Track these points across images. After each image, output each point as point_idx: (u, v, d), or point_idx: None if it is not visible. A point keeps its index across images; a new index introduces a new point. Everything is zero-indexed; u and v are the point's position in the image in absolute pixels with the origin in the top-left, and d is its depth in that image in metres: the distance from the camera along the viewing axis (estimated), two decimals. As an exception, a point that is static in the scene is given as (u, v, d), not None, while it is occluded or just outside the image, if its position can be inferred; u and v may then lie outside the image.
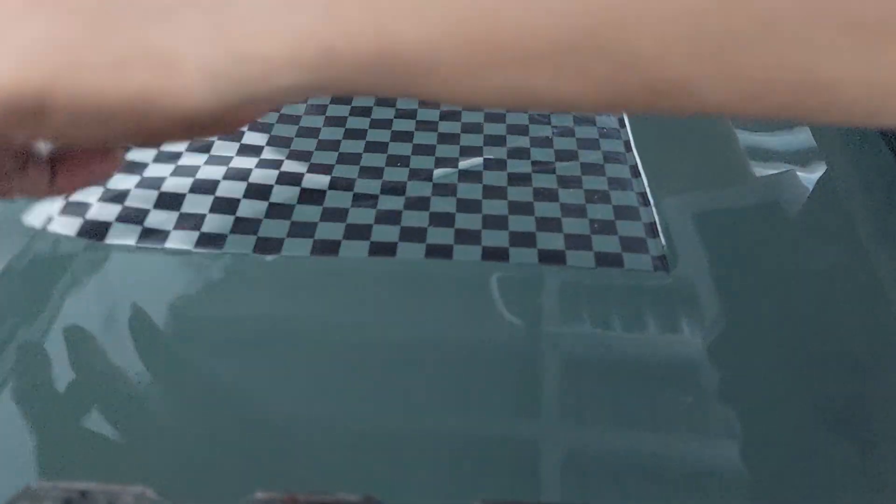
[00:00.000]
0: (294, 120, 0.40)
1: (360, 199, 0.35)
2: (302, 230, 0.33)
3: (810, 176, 0.39)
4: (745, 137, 0.41)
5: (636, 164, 0.38)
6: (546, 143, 0.39)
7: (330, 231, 0.33)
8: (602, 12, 0.17)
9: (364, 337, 0.30)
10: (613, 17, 0.17)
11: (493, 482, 0.24)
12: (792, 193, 0.38)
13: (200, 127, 0.17)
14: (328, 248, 0.33)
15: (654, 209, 0.35)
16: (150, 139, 0.18)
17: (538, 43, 0.18)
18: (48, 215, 0.33)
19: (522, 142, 0.39)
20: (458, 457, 0.25)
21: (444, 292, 0.32)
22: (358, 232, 0.33)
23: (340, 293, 0.32)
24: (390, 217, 0.34)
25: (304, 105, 0.41)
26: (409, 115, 0.40)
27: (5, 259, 0.32)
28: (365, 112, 0.41)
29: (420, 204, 0.35)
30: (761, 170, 0.39)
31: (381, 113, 0.41)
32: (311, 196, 0.35)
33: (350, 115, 0.41)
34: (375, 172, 0.37)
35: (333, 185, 0.36)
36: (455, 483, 0.24)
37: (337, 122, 0.40)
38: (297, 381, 0.28)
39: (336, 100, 0.41)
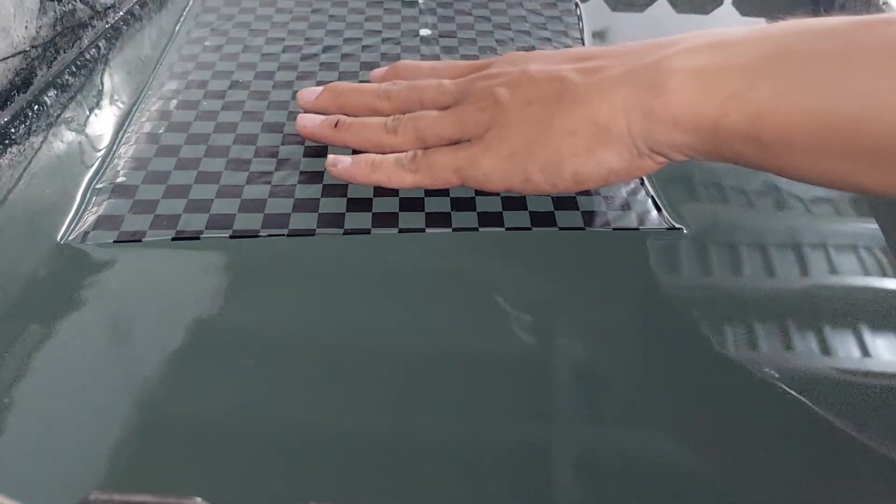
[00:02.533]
0: None
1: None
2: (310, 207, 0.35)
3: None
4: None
5: None
6: None
7: (333, 206, 0.35)
8: None
9: (375, 341, 0.30)
10: None
11: (506, 488, 0.25)
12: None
13: None
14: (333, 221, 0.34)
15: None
16: None
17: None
18: (84, 230, 0.34)
19: None
20: (469, 463, 0.25)
21: (426, 273, 0.33)
22: (360, 205, 0.35)
23: (348, 292, 0.32)
24: (387, 190, 0.36)
25: None
26: None
27: (39, 267, 0.32)
28: None
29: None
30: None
31: None
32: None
33: None
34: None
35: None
36: (466, 490, 0.25)
37: None
38: (311, 386, 0.28)
39: None
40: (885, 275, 0.33)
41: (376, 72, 0.41)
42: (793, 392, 0.28)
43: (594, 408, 0.27)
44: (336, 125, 0.36)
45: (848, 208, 0.37)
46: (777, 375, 0.28)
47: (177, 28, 0.51)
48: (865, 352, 0.29)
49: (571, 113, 0.30)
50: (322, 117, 0.37)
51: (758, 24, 0.28)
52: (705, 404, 0.28)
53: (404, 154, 0.34)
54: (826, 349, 0.30)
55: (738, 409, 0.27)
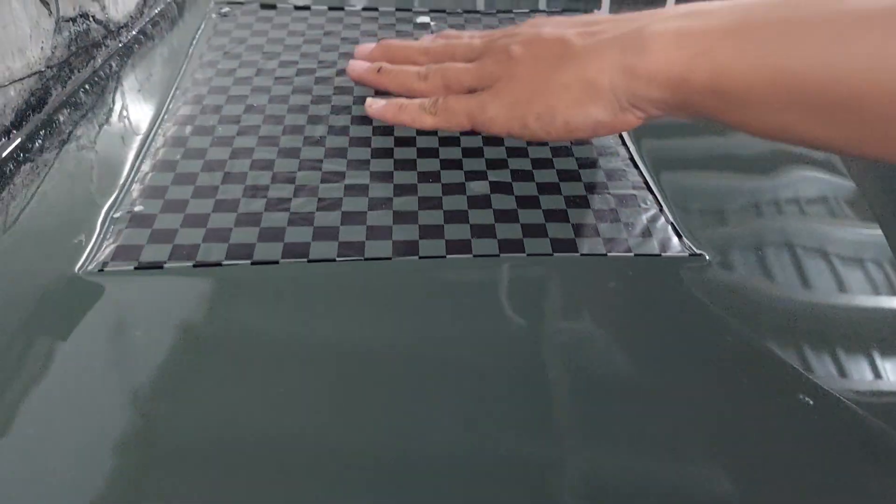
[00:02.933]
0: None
1: (378, 203, 0.37)
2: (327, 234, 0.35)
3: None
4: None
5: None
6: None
7: (351, 233, 0.35)
8: None
9: (373, 348, 0.30)
10: None
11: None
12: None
13: None
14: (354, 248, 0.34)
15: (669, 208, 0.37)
16: None
17: None
18: (102, 260, 0.33)
19: (524, 164, 0.40)
20: (470, 477, 0.25)
21: (447, 297, 0.33)
22: (381, 233, 0.35)
23: (345, 302, 0.32)
24: (408, 217, 0.36)
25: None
26: (409, 142, 0.41)
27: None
28: (387, 131, 0.42)
29: (434, 203, 0.37)
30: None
31: (403, 130, 0.42)
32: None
33: (373, 134, 0.42)
34: (388, 176, 0.39)
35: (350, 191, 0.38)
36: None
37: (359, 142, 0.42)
38: (301, 397, 0.28)
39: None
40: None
41: (362, 47, 0.46)
42: (824, 418, 0.28)
43: (613, 432, 0.27)
44: (379, 70, 0.43)
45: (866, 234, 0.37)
46: (811, 403, 0.28)
47: (190, 51, 0.51)
48: None
49: (567, 70, 0.34)
50: (369, 64, 0.44)
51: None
52: (729, 431, 0.27)
53: (427, 100, 0.40)
54: (857, 372, 0.29)
55: (767, 435, 0.27)
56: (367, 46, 0.46)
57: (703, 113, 0.32)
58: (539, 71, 0.35)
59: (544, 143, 0.41)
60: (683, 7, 0.33)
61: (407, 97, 0.41)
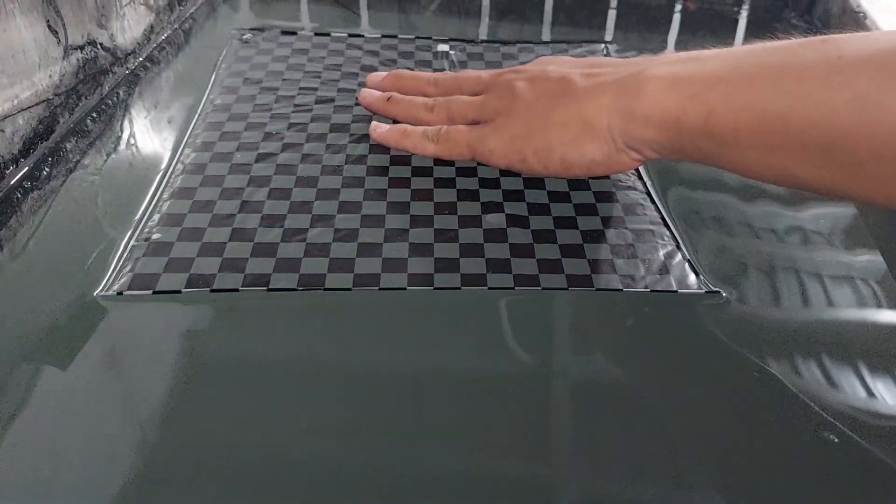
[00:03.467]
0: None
1: (393, 235, 0.37)
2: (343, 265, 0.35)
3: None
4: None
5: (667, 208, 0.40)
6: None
7: (367, 265, 0.35)
8: None
9: (383, 377, 0.30)
10: None
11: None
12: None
13: None
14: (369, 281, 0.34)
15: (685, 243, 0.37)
16: None
17: None
18: (117, 290, 0.33)
19: (540, 196, 0.40)
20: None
21: (460, 328, 0.33)
22: (397, 265, 0.35)
23: (353, 328, 0.32)
24: (423, 249, 0.36)
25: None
26: (426, 172, 0.41)
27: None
28: (405, 160, 0.42)
29: (450, 235, 0.37)
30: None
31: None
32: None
33: (391, 164, 0.42)
34: (404, 207, 0.39)
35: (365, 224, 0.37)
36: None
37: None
38: (314, 423, 0.28)
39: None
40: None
41: (374, 75, 0.47)
42: (848, 456, 0.27)
43: (626, 467, 0.27)
44: (389, 100, 0.44)
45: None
46: (836, 440, 0.28)
47: (213, 77, 0.51)
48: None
49: (566, 108, 0.35)
50: (380, 93, 0.45)
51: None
52: (747, 469, 0.27)
53: (430, 128, 0.41)
54: (884, 408, 0.29)
55: (787, 473, 0.27)
56: (379, 75, 0.47)
57: (696, 155, 0.33)
58: (539, 108, 0.36)
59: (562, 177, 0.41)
60: (683, 54, 0.34)
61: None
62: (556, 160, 0.36)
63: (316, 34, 0.56)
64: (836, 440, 0.28)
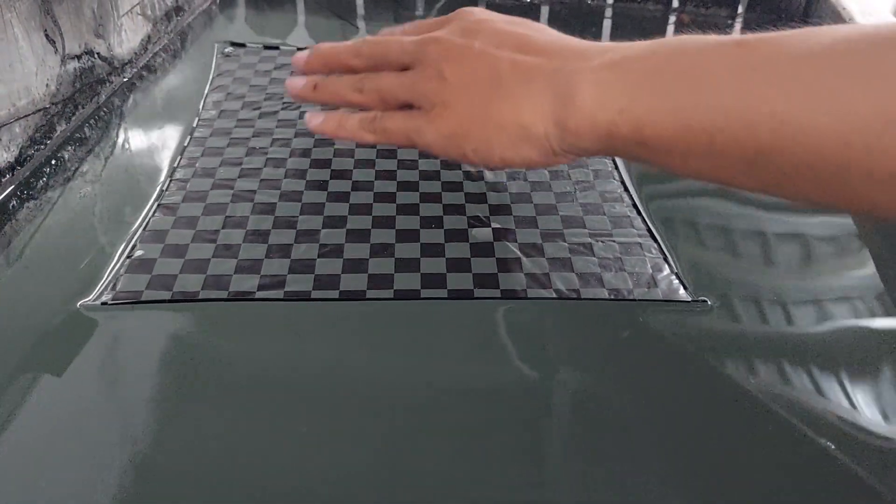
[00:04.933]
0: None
1: (379, 250, 0.37)
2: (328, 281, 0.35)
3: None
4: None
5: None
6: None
7: (353, 282, 0.35)
8: None
9: (359, 383, 0.30)
10: None
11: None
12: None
13: None
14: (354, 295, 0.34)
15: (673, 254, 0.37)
16: None
17: None
18: (103, 300, 0.34)
19: (528, 210, 0.40)
20: None
21: (441, 334, 0.33)
22: (382, 281, 0.35)
23: (344, 338, 0.33)
24: (410, 264, 0.36)
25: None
26: (412, 187, 0.42)
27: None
28: (390, 175, 0.43)
29: (436, 250, 0.37)
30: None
31: (404, 175, 0.42)
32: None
33: (376, 178, 0.42)
34: (390, 221, 0.39)
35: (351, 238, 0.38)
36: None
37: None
38: (291, 429, 0.28)
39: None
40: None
41: (298, 57, 0.44)
42: (843, 465, 0.27)
43: (617, 475, 0.27)
44: (315, 87, 0.41)
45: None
46: (833, 446, 0.28)
47: (206, 92, 0.51)
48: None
49: (501, 109, 0.35)
50: (305, 80, 0.42)
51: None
52: (734, 479, 0.27)
53: (365, 115, 0.40)
54: (870, 414, 0.29)
55: (777, 483, 0.27)
56: (302, 56, 0.43)
57: (631, 158, 0.34)
58: (473, 103, 0.36)
59: (549, 189, 0.41)
60: (609, 51, 0.34)
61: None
62: (496, 159, 0.36)
63: (298, 49, 0.57)
64: (832, 446, 0.28)
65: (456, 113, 0.36)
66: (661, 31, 0.64)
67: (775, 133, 0.27)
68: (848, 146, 0.26)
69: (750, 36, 0.30)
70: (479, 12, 0.39)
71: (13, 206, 0.39)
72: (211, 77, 0.52)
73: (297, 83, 0.42)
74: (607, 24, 0.65)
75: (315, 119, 0.41)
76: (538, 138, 0.35)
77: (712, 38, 0.31)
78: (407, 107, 0.39)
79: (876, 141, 0.25)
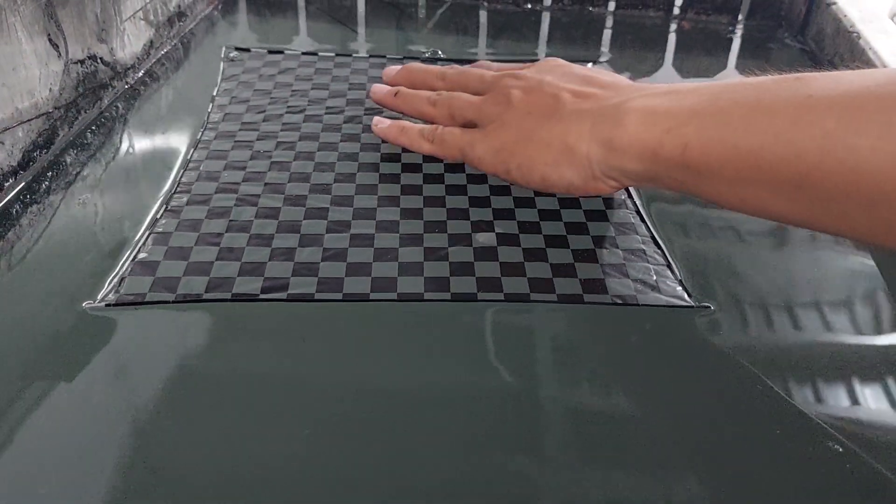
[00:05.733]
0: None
1: (383, 253, 0.37)
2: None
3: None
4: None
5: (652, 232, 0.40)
6: (555, 215, 0.40)
7: (356, 285, 0.35)
8: None
9: (360, 385, 0.31)
10: None
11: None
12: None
13: None
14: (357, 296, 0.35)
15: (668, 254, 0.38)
16: None
17: None
18: (106, 302, 0.34)
19: (531, 215, 0.40)
20: None
21: (444, 336, 0.33)
22: (386, 284, 0.35)
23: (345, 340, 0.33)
24: (413, 268, 0.36)
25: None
26: (416, 191, 0.42)
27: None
28: (394, 179, 0.43)
29: (440, 254, 0.37)
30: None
31: (408, 179, 0.42)
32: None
33: (380, 182, 0.43)
34: (394, 226, 0.39)
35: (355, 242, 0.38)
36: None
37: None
38: (293, 431, 0.28)
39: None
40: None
41: (389, 69, 0.49)
42: (854, 467, 0.27)
43: (616, 483, 0.27)
44: (396, 94, 0.46)
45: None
46: (841, 450, 0.28)
47: (213, 97, 0.51)
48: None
49: (551, 128, 0.37)
50: (388, 89, 0.47)
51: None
52: (743, 483, 0.27)
53: (426, 126, 0.43)
54: (880, 418, 0.30)
55: (786, 485, 0.27)
56: (394, 69, 0.48)
57: (672, 185, 0.34)
58: (527, 123, 0.38)
59: (552, 195, 0.41)
60: (666, 86, 0.35)
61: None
62: (537, 178, 0.38)
63: (303, 53, 0.57)
64: (839, 450, 0.28)
65: (509, 130, 0.39)
66: (662, 40, 0.64)
67: (823, 151, 0.27)
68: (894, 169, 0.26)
69: (808, 73, 0.30)
70: (559, 60, 0.43)
71: (16, 210, 0.39)
72: (219, 81, 0.52)
73: (382, 89, 0.47)
74: (608, 33, 0.65)
75: (381, 123, 0.45)
76: (580, 158, 0.36)
77: (761, 77, 0.32)
78: (469, 126, 0.42)
79: None
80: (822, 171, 0.28)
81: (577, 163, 0.36)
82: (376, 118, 0.46)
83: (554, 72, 0.41)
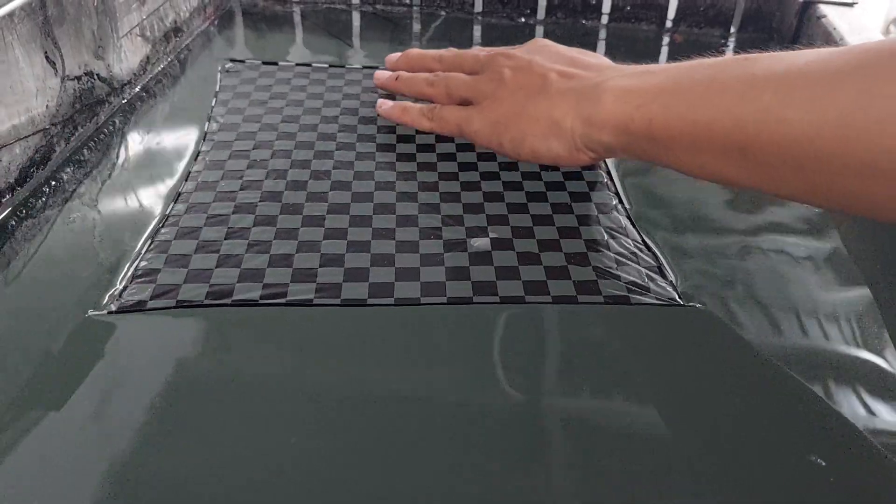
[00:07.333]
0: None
1: (379, 259, 0.37)
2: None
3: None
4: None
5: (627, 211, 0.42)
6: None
7: (354, 291, 0.35)
8: None
9: (356, 390, 0.31)
10: None
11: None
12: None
13: None
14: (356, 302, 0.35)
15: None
16: None
17: None
18: (108, 310, 0.34)
19: (525, 220, 0.41)
20: None
21: (441, 339, 0.34)
22: (383, 290, 0.36)
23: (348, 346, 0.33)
24: (409, 273, 0.37)
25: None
26: (412, 198, 0.42)
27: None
28: (389, 186, 0.43)
29: (436, 259, 0.38)
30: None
31: (403, 187, 0.43)
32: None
33: (375, 189, 0.43)
34: (390, 232, 0.40)
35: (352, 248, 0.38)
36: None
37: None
38: (292, 437, 0.29)
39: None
40: None
41: (391, 57, 0.53)
42: (839, 479, 0.28)
43: (608, 484, 0.27)
44: (396, 79, 0.51)
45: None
46: (824, 464, 0.28)
47: (211, 111, 0.51)
48: None
49: (539, 104, 0.41)
50: (390, 73, 0.52)
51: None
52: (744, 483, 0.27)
53: (426, 106, 0.48)
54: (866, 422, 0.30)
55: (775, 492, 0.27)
56: (395, 56, 0.53)
57: (642, 155, 0.38)
58: (518, 99, 0.42)
59: (545, 200, 0.42)
60: (641, 67, 0.39)
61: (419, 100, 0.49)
62: (527, 150, 0.41)
63: (297, 64, 0.57)
64: (822, 463, 0.28)
65: (502, 105, 0.43)
66: (655, 53, 0.65)
67: (759, 123, 0.31)
68: (820, 138, 0.29)
69: (758, 53, 0.34)
70: (546, 41, 0.47)
71: (13, 225, 0.39)
72: (215, 94, 0.53)
73: (384, 74, 0.52)
74: (601, 45, 0.65)
75: (385, 104, 0.50)
76: (565, 131, 0.40)
77: (721, 58, 0.36)
78: (465, 104, 0.46)
79: (844, 133, 0.29)
80: (760, 141, 0.31)
81: (562, 136, 0.40)
82: (380, 101, 0.50)
83: (542, 52, 0.45)
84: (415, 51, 0.52)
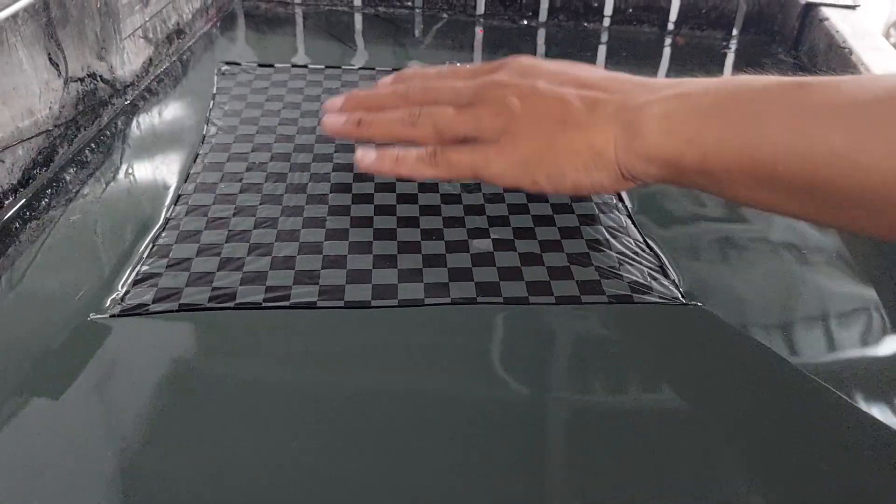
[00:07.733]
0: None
1: (381, 260, 0.37)
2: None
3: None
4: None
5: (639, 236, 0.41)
6: (549, 221, 0.41)
7: (357, 292, 0.35)
8: None
9: (361, 390, 0.31)
10: None
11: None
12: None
13: None
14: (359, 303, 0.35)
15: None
16: None
17: None
18: (110, 313, 0.34)
19: (525, 221, 0.41)
20: None
21: (444, 339, 0.34)
22: (386, 291, 0.36)
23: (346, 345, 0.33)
24: (412, 275, 0.37)
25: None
26: (412, 199, 0.42)
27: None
28: (389, 188, 0.43)
29: (438, 260, 0.38)
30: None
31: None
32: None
33: (375, 191, 0.43)
34: (391, 233, 0.40)
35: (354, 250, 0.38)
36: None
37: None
38: (294, 438, 0.29)
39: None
40: None
41: (384, 80, 0.45)
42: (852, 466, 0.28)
43: (608, 484, 0.27)
44: (359, 123, 0.41)
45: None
46: (826, 468, 0.28)
47: (209, 114, 0.51)
48: None
49: (573, 136, 0.37)
50: (345, 117, 0.42)
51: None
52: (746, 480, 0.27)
53: (425, 150, 0.40)
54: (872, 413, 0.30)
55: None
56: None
57: (693, 187, 0.36)
58: (543, 132, 0.37)
59: (545, 200, 0.42)
60: (671, 87, 0.36)
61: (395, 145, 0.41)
62: (569, 184, 0.37)
63: (293, 66, 0.57)
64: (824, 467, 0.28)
65: (527, 141, 0.38)
66: (657, 56, 0.65)
67: (832, 168, 0.30)
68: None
69: (810, 78, 0.32)
70: (526, 59, 0.41)
71: (16, 227, 0.39)
72: (213, 96, 0.53)
73: (337, 121, 0.42)
74: (602, 49, 0.65)
75: (367, 157, 0.41)
76: (609, 162, 0.36)
77: (773, 78, 0.33)
78: (461, 142, 0.39)
79: None
80: (831, 185, 0.30)
81: (608, 167, 0.37)
82: (359, 152, 0.41)
83: (533, 73, 0.39)
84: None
